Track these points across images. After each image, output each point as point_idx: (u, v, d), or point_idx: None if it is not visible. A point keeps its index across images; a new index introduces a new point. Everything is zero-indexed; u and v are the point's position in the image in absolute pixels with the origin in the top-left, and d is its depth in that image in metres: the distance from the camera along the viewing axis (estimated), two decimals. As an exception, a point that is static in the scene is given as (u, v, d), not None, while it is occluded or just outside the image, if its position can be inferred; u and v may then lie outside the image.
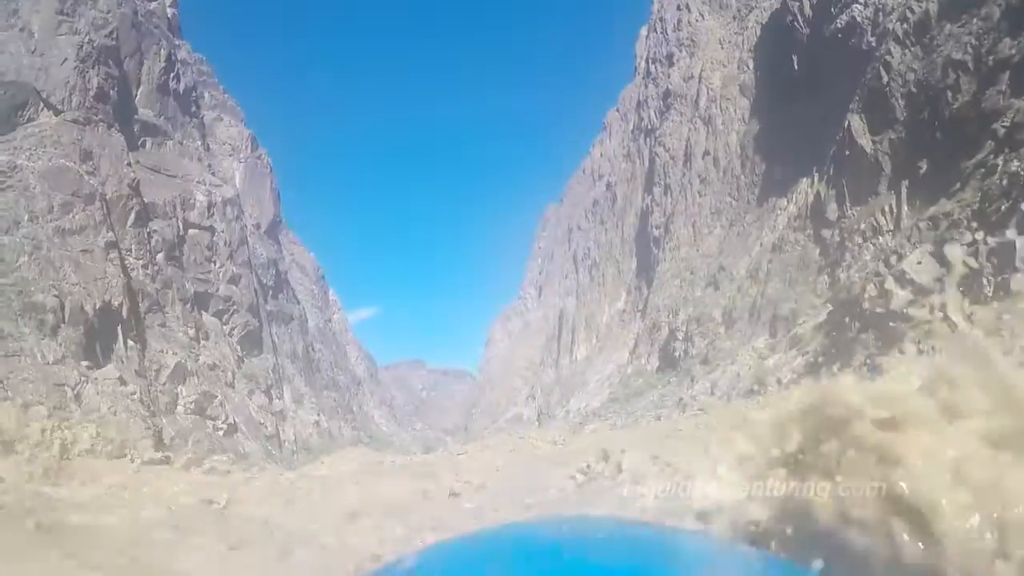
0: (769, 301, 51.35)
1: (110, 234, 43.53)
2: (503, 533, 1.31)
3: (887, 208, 39.40)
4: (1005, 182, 24.06)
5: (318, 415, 66.46)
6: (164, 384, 41.20)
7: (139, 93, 70.11)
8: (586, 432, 41.99)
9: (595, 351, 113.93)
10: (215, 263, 57.36)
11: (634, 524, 1.49)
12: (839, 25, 54.68)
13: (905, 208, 37.57)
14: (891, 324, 24.57)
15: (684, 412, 39.53)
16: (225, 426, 43.88)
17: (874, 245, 39.43)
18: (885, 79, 42.99)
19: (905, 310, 23.98)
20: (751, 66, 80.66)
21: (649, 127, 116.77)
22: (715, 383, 46.02)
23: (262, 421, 50.30)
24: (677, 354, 64.64)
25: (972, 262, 21.94)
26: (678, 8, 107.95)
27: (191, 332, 47.82)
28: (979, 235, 22.39)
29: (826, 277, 44.55)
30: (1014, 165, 23.94)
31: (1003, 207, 22.54)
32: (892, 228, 38.14)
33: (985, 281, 21.21)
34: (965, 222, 24.90)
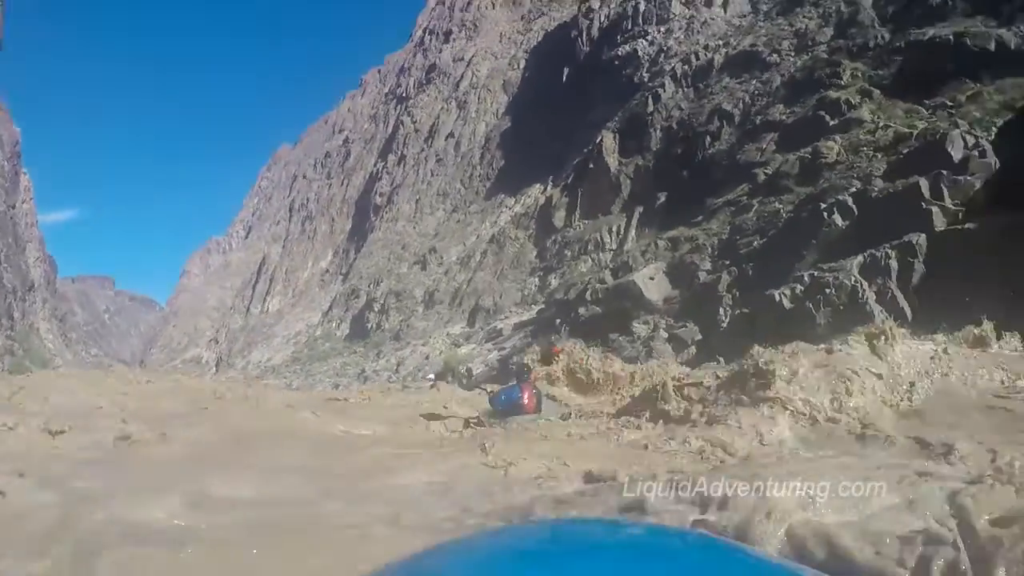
0: (474, 291, 49.23)
1: None
2: (501, 537, 1.28)
3: (616, 228, 38.65)
4: (758, 219, 23.13)
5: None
6: None
7: None
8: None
9: (289, 305, 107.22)
10: None
11: (630, 526, 1.47)
12: (619, 53, 54.56)
13: (633, 232, 36.90)
14: (611, 336, 22.47)
15: (364, 384, 36.05)
16: None
17: (593, 260, 38.42)
18: (650, 108, 42.73)
19: (633, 325, 21.97)
20: (522, 66, 79.76)
21: (404, 95, 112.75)
22: (403, 360, 42.83)
23: None
24: (370, 325, 61.09)
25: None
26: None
27: None
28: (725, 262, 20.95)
29: (537, 280, 43.11)
30: (775, 206, 23.07)
31: (755, 242, 21.37)
32: (615, 248, 37.31)
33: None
34: (709, 249, 23.66)
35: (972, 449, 5.37)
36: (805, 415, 6.92)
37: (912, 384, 7.44)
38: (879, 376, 7.50)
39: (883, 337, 8.51)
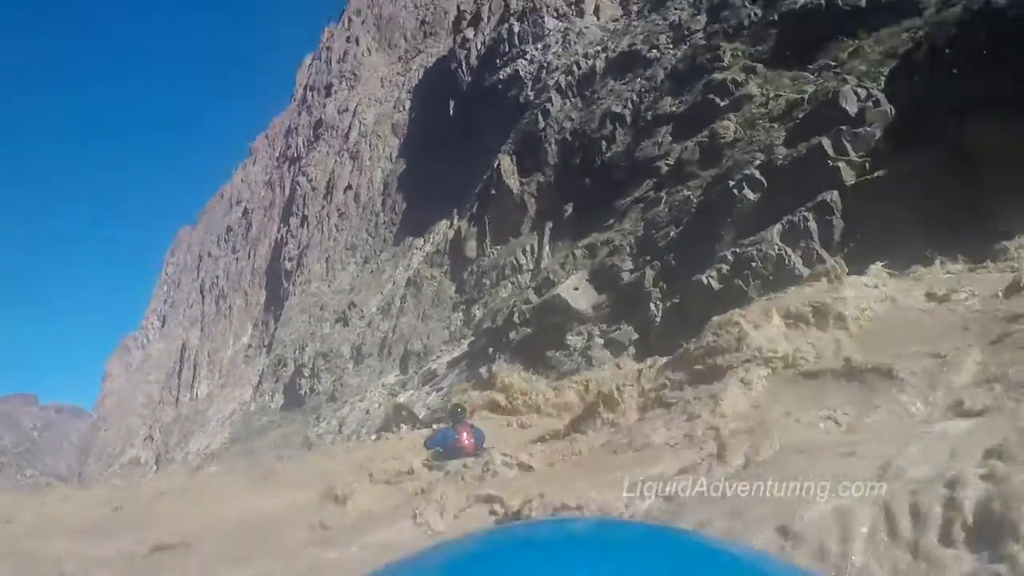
0: (401, 337, 48.06)
1: None
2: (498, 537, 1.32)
3: (529, 247, 38.27)
4: (670, 210, 22.93)
5: None
6: None
7: None
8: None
9: (218, 387, 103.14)
10: None
11: (629, 525, 1.55)
12: (501, 76, 54.69)
13: (547, 249, 36.54)
14: (547, 354, 21.80)
15: (309, 450, 34.66)
16: None
17: (513, 283, 37.88)
18: (542, 124, 42.68)
19: (567, 338, 21.38)
20: (407, 107, 79.49)
21: (295, 156, 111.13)
22: (344, 420, 41.40)
23: None
24: (303, 391, 59.15)
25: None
26: (347, 40, 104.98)
27: None
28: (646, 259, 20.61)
29: (461, 314, 42.30)
30: (684, 193, 22.91)
31: (671, 233, 21.11)
32: (533, 267, 36.88)
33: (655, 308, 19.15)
34: (628, 248, 23.32)
35: (922, 365, 5.97)
36: (772, 363, 7.10)
37: (859, 311, 7.97)
38: (830, 310, 7.99)
39: (825, 278, 9.11)
